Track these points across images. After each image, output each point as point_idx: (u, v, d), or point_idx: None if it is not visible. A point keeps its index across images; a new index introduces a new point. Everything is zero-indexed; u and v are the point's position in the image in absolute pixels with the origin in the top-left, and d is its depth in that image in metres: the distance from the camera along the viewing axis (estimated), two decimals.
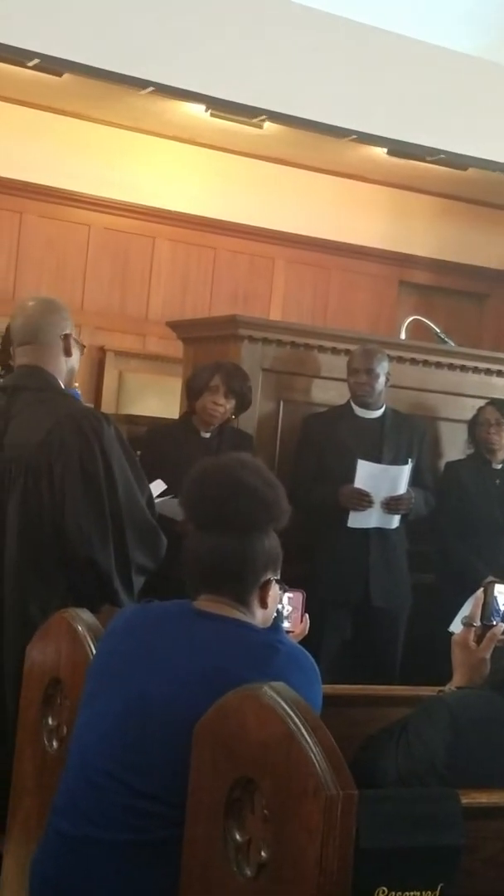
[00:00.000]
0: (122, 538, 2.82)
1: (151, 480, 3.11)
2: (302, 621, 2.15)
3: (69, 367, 3.01)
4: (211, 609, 1.99)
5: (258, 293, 8.50)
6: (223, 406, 4.13)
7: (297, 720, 1.62)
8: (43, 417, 2.85)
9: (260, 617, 2.01)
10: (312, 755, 1.58)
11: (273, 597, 2.02)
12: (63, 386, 2.98)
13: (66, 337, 2.98)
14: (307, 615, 2.16)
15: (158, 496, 3.79)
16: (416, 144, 7.39)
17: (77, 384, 3.98)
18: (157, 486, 3.80)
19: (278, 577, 2.04)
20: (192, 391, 4.20)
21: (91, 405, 4.59)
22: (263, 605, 2.01)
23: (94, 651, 2.15)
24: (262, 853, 1.64)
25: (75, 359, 3.03)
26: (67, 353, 2.98)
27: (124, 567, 2.84)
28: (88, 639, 2.20)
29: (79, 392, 4.20)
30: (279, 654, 1.90)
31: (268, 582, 2.01)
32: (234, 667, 1.85)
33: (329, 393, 4.64)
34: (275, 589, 2.03)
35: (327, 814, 1.54)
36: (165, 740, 1.84)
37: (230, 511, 1.99)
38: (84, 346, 3.18)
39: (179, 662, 1.91)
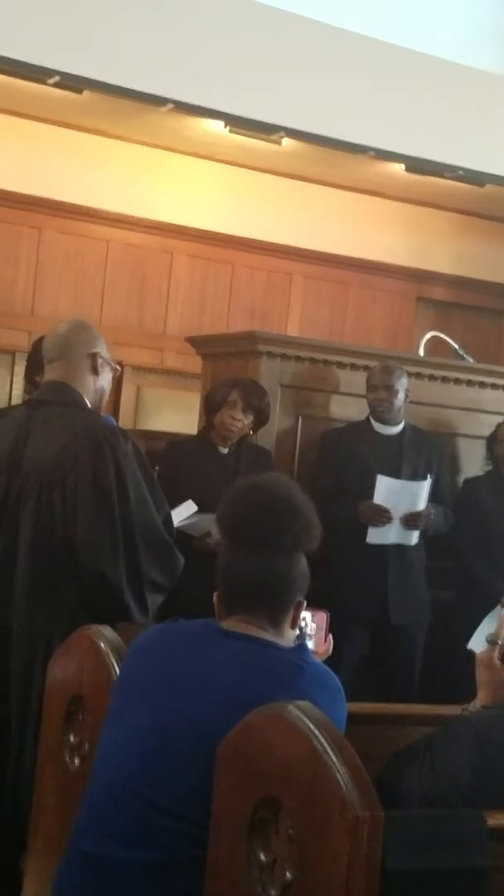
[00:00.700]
0: (133, 553, 2.81)
1: (171, 496, 3.10)
2: (326, 641, 2.14)
3: (98, 387, 3.00)
4: (238, 629, 1.98)
5: (276, 309, 8.51)
6: (241, 422, 4.13)
7: (322, 739, 1.62)
8: (60, 431, 2.86)
9: (289, 636, 2.01)
10: (338, 775, 1.57)
11: (321, 630, 2.03)
12: (90, 404, 2.98)
13: (94, 355, 2.98)
14: (330, 635, 2.16)
15: (191, 516, 3.79)
16: (434, 161, 7.40)
17: (108, 414, 3.97)
18: (188, 507, 3.79)
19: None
20: (210, 407, 4.20)
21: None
22: (294, 625, 2.02)
23: (117, 668, 2.15)
24: (288, 874, 1.63)
25: (105, 379, 3.02)
26: (95, 371, 2.98)
27: (136, 582, 2.83)
28: (111, 656, 2.19)
29: (113, 419, 4.19)
30: (304, 673, 1.90)
31: (300, 603, 2.02)
32: (259, 686, 1.84)
33: (348, 409, 4.64)
34: (303, 608, 2.03)
35: (353, 835, 1.53)
36: (190, 759, 1.84)
37: (277, 532, 1.99)
38: (118, 369, 3.18)
39: (205, 681, 1.90)
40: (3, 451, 2.91)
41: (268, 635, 1.98)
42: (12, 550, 2.82)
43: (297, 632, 2.05)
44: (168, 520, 2.98)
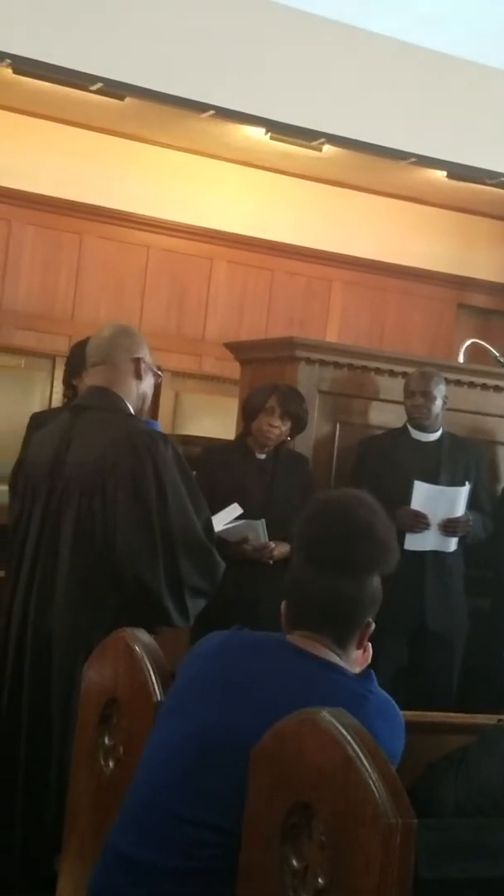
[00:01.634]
0: (173, 558, 2.81)
1: (208, 500, 3.09)
2: (365, 650, 2.13)
3: (140, 392, 3.00)
4: (306, 647, 1.96)
5: (315, 315, 8.50)
6: (279, 428, 4.13)
7: (355, 746, 1.61)
8: (101, 437, 2.86)
9: (353, 657, 1.99)
10: (371, 782, 1.56)
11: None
12: (133, 409, 2.98)
13: (137, 360, 2.98)
14: (369, 643, 2.14)
15: (235, 519, 3.80)
16: (475, 167, 7.37)
17: (151, 418, 3.97)
18: (234, 510, 3.80)
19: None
20: (248, 412, 4.20)
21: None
22: (360, 646, 2.00)
23: (152, 671, 2.15)
24: (320, 880, 1.62)
25: (147, 384, 3.02)
26: (138, 376, 2.99)
27: (176, 587, 2.82)
28: (146, 659, 2.19)
29: (157, 423, 4.20)
30: (368, 703, 1.86)
31: (368, 623, 2.00)
32: None
33: (386, 415, 4.62)
34: (371, 629, 2.01)
35: (386, 842, 1.52)
36: (233, 773, 1.82)
37: (353, 554, 1.97)
38: (160, 375, 3.18)
39: (266, 697, 1.88)
40: (47, 456, 2.93)
41: (334, 655, 1.96)
42: (54, 555, 2.84)
43: (363, 651, 2.03)
44: (208, 525, 2.98)
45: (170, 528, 2.81)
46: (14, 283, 7.75)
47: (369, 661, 2.26)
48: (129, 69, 6.39)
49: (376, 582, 2.01)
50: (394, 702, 1.94)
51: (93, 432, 2.89)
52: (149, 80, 6.44)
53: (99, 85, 6.62)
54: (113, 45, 6.33)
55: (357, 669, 2.00)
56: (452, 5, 7.08)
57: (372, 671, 1.97)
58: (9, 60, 6.39)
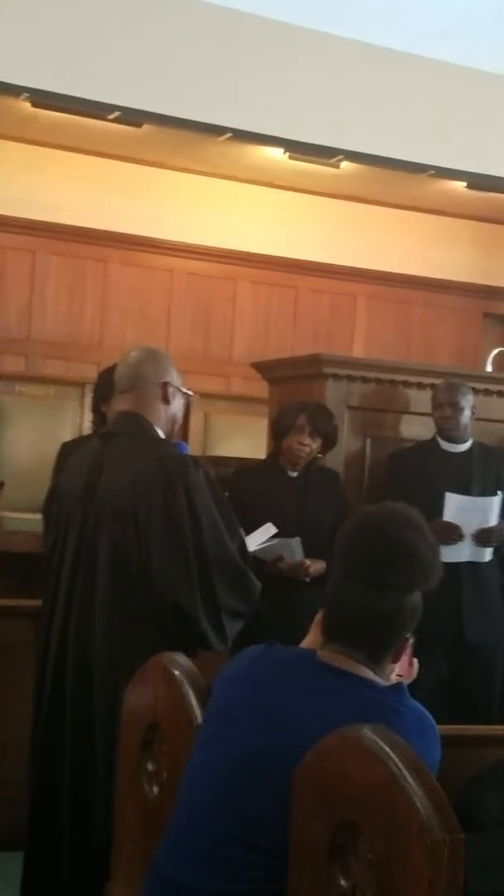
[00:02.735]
0: (209, 582, 2.81)
1: (241, 520, 3.09)
2: (410, 665, 2.12)
3: (170, 415, 3.01)
4: (337, 663, 1.95)
5: (340, 331, 8.51)
6: (309, 446, 4.12)
7: (398, 763, 1.60)
8: (132, 463, 2.87)
9: (388, 672, 1.99)
10: (416, 798, 1.55)
11: (405, 654, 2.00)
12: (163, 433, 2.99)
13: (165, 384, 2.99)
14: (416, 659, 2.14)
15: (270, 539, 3.80)
16: (495, 176, 7.37)
17: (180, 440, 3.96)
18: (268, 530, 3.80)
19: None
20: (278, 431, 4.21)
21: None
22: (395, 660, 1.99)
23: (192, 695, 2.15)
24: None
25: (177, 406, 3.03)
26: (165, 400, 2.99)
27: (213, 611, 2.82)
28: (185, 683, 2.20)
29: (187, 445, 4.20)
30: (402, 716, 1.86)
31: (405, 640, 1.99)
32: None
33: (416, 428, 4.61)
34: (408, 645, 2.01)
35: (433, 858, 1.51)
36: (274, 794, 1.82)
37: (395, 574, 1.96)
38: (190, 394, 3.18)
39: (300, 717, 1.88)
40: (78, 484, 2.94)
41: (367, 670, 1.95)
42: (90, 583, 2.84)
43: (409, 665, 2.02)
44: (242, 546, 2.97)
45: (204, 552, 2.81)
46: (41, 313, 7.82)
47: (415, 675, 2.25)
48: (145, 96, 6.45)
49: (416, 598, 2.00)
50: (428, 713, 1.93)
51: (123, 459, 2.90)
52: (165, 106, 6.49)
53: (116, 113, 6.68)
54: (127, 74, 6.39)
55: (394, 680, 1.98)
56: (464, 17, 7.09)
57: (404, 684, 1.96)
58: (27, 94, 6.47)
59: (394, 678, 2.02)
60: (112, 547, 2.82)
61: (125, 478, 2.85)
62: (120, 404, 3.05)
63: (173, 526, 2.79)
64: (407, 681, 2.13)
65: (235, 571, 2.88)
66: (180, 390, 3.04)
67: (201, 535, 2.81)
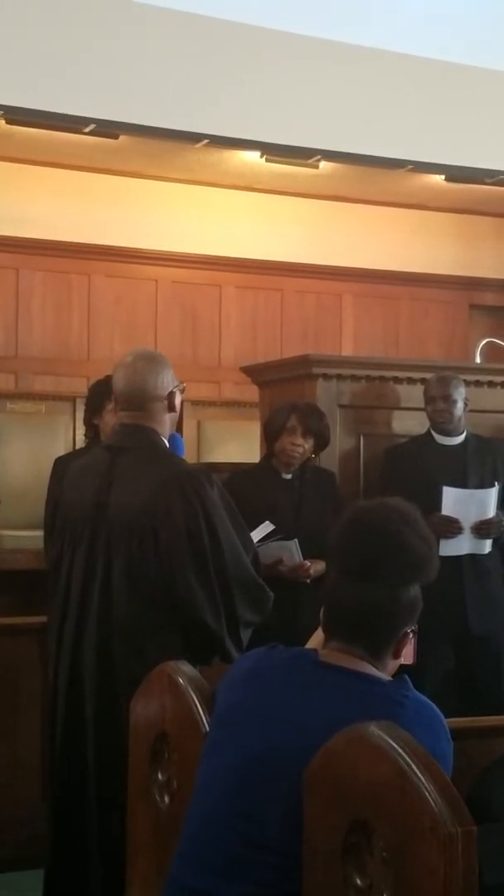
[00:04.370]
0: (230, 599, 2.83)
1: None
2: (415, 655, 2.13)
3: (173, 419, 3.01)
4: (337, 661, 1.96)
5: (328, 330, 8.52)
6: (301, 446, 4.12)
7: (407, 758, 1.60)
8: (146, 479, 2.85)
9: (390, 667, 1.99)
10: (427, 793, 1.55)
11: (407, 647, 2.00)
12: (166, 435, 2.97)
13: (171, 394, 2.96)
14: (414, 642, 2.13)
15: (266, 535, 3.80)
16: (473, 168, 7.38)
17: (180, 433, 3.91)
18: (265, 528, 3.80)
19: (415, 626, 2.01)
20: (270, 433, 4.20)
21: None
22: (396, 655, 1.99)
23: (198, 703, 2.15)
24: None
25: (177, 404, 3.01)
26: (172, 408, 2.97)
27: (233, 626, 2.84)
28: (191, 690, 2.20)
29: (181, 437, 4.17)
30: (405, 708, 1.86)
31: (406, 634, 1.99)
32: (356, 722, 1.81)
33: (408, 423, 4.61)
34: (410, 639, 2.00)
35: (447, 852, 1.51)
36: (286, 794, 1.82)
37: (389, 569, 1.96)
38: (183, 386, 3.12)
39: (303, 717, 1.88)
40: (87, 497, 2.91)
41: (367, 665, 1.95)
42: (106, 599, 2.83)
43: (400, 661, 2.02)
44: (256, 559, 3.00)
45: (225, 571, 2.82)
46: (28, 329, 7.82)
47: (413, 660, 2.25)
48: (120, 107, 6.45)
49: (414, 591, 2.00)
50: (431, 703, 1.93)
51: (136, 474, 2.87)
52: (139, 116, 6.49)
53: (91, 126, 6.69)
54: (101, 86, 6.39)
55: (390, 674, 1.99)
56: (435, 11, 7.10)
57: (406, 676, 1.96)
58: (0, 112, 6.47)
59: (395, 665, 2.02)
60: (129, 563, 2.80)
61: (140, 494, 2.82)
62: (124, 417, 2.99)
63: (194, 546, 2.79)
64: (406, 662, 2.12)
65: (252, 585, 2.91)
66: (178, 389, 3.02)
67: (221, 553, 2.82)
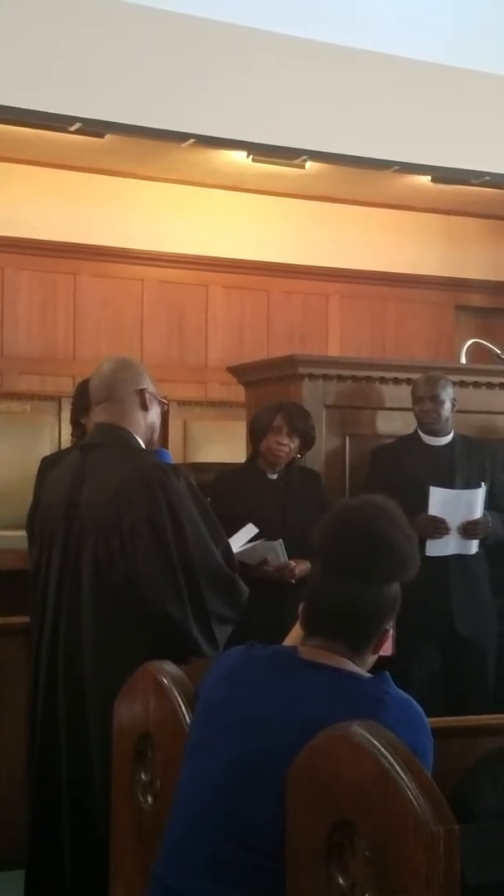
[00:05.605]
0: (196, 591, 2.81)
1: (224, 525, 3.09)
2: (393, 647, 2.14)
3: (149, 423, 3.00)
4: (317, 658, 1.96)
5: (315, 331, 8.52)
6: (287, 446, 4.12)
7: (389, 758, 1.60)
8: (113, 475, 2.86)
9: (369, 662, 2.00)
10: (409, 792, 1.55)
11: (386, 643, 2.01)
12: (143, 441, 2.97)
13: (142, 391, 2.98)
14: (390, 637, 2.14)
15: (251, 540, 3.79)
16: (459, 169, 7.39)
17: (161, 447, 3.93)
18: (249, 531, 3.79)
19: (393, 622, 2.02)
20: (256, 433, 4.21)
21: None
22: (376, 651, 2.00)
23: (182, 703, 2.14)
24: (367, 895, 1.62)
25: (154, 414, 3.01)
26: (144, 407, 2.98)
27: (203, 618, 2.82)
28: (175, 691, 2.19)
29: (168, 453, 4.19)
30: (386, 706, 1.86)
31: (385, 631, 2.00)
32: (337, 720, 1.81)
33: (394, 424, 4.61)
34: (389, 636, 2.01)
35: (429, 851, 1.51)
36: (270, 794, 1.82)
37: (371, 566, 1.97)
38: (165, 403, 3.17)
39: (284, 716, 1.88)
40: (60, 498, 2.93)
41: (347, 662, 1.96)
42: (76, 597, 2.83)
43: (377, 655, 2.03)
44: (228, 552, 2.97)
45: (190, 561, 2.81)
46: (13, 329, 7.80)
47: (392, 651, 2.25)
48: (106, 106, 6.43)
49: (395, 589, 2.01)
50: (412, 700, 1.93)
51: (104, 471, 2.89)
52: (126, 115, 6.48)
53: (77, 125, 6.67)
54: (87, 85, 6.37)
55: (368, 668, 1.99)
56: (421, 12, 7.12)
57: (387, 673, 1.96)
58: None
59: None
60: (96, 560, 2.81)
61: (107, 490, 2.84)
62: (98, 416, 3.03)
63: (157, 537, 2.78)
64: (386, 654, 2.13)
65: (222, 578, 2.88)
66: (156, 398, 3.04)
67: (186, 544, 2.80)
